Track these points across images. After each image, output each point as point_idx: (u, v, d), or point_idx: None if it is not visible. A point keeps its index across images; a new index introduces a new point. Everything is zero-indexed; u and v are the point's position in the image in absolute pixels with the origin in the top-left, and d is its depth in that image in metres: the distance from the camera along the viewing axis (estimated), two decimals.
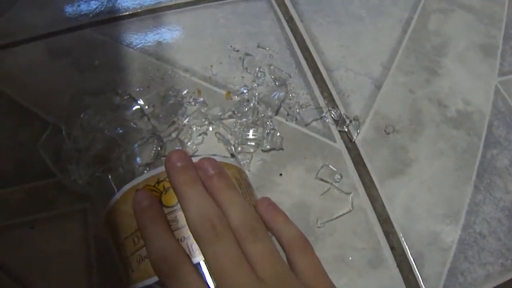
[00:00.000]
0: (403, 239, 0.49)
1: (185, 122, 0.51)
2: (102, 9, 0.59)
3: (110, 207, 0.33)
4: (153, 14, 0.60)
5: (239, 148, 0.50)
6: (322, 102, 0.55)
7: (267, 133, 0.50)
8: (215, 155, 0.34)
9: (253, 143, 0.50)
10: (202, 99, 0.52)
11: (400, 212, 0.50)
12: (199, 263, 0.27)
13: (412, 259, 0.49)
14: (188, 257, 0.27)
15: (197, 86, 0.53)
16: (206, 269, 0.27)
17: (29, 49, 0.55)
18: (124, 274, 0.32)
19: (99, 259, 0.43)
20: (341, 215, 0.49)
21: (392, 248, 0.49)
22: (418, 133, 0.55)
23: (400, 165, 0.53)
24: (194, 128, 0.51)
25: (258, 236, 0.28)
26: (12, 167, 0.47)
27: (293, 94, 0.54)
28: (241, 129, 0.50)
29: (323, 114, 0.54)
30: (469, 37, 0.64)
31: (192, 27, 0.59)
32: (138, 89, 0.53)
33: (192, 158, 0.32)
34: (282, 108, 0.53)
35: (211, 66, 0.55)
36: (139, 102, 0.52)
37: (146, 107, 0.51)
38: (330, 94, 0.56)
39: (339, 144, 0.53)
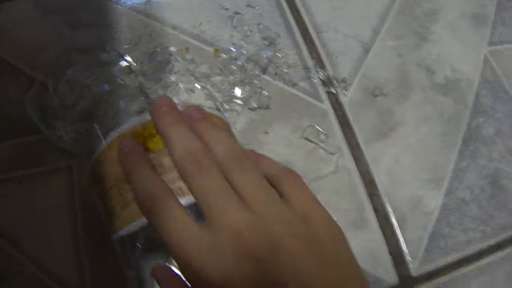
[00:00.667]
0: (386, 201, 0.50)
1: (172, 79, 0.50)
2: None
3: (96, 157, 0.33)
4: None
5: (226, 106, 0.49)
6: (310, 62, 0.55)
7: (255, 92, 0.50)
8: (201, 106, 0.34)
9: (240, 102, 0.50)
10: (190, 56, 0.51)
11: (385, 174, 0.51)
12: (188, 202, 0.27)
13: (395, 222, 0.49)
14: (173, 193, 0.27)
15: (185, 44, 0.53)
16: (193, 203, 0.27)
17: (19, 4, 0.54)
18: (108, 222, 0.32)
19: (84, 215, 0.43)
20: (326, 175, 0.49)
21: (375, 210, 0.49)
22: (405, 97, 0.55)
23: (386, 128, 0.53)
24: (181, 85, 0.50)
25: (245, 166, 0.27)
26: None
27: (282, 54, 0.54)
28: (229, 87, 0.50)
29: (311, 75, 0.54)
30: (460, 5, 0.63)
31: None
32: (126, 46, 0.52)
33: (179, 108, 0.32)
34: (270, 68, 0.53)
35: (200, 24, 0.54)
36: (126, 59, 0.51)
37: (134, 64, 0.51)
38: (319, 55, 0.56)
39: (326, 105, 0.53)
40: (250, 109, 0.50)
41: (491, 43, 0.62)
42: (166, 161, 0.29)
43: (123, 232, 0.30)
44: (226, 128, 0.37)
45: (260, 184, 0.27)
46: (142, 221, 0.28)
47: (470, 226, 0.51)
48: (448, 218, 0.51)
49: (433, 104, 0.55)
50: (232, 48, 0.52)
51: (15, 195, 0.43)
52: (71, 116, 0.47)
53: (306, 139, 0.50)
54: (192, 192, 0.27)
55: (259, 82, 0.51)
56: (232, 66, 0.50)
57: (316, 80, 0.54)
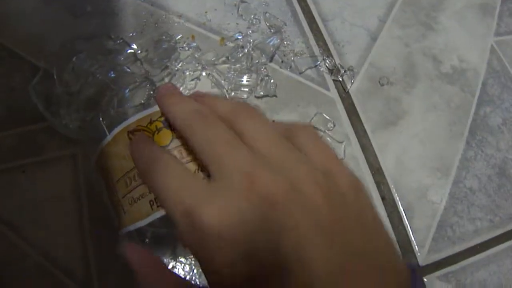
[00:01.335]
0: (394, 190, 0.49)
1: (178, 67, 0.50)
2: None
3: (101, 150, 0.33)
4: None
5: (233, 94, 0.49)
6: (317, 51, 0.54)
7: (261, 80, 0.49)
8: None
9: (246, 89, 0.49)
10: (195, 44, 0.51)
11: (392, 163, 0.51)
12: None
13: (402, 211, 0.49)
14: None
15: (191, 32, 0.52)
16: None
17: None
18: (116, 217, 0.32)
19: (89, 204, 0.43)
20: None
21: (383, 199, 0.49)
22: (412, 86, 0.55)
23: (393, 116, 0.53)
24: (187, 73, 0.50)
25: (251, 114, 0.25)
26: (3, 111, 0.46)
27: (288, 42, 0.54)
28: (235, 74, 0.49)
29: (318, 63, 0.53)
30: None
31: None
32: (131, 34, 0.52)
33: None
34: (276, 56, 0.53)
35: (206, 12, 0.54)
36: (132, 46, 0.51)
37: (139, 51, 0.51)
38: (325, 44, 0.55)
39: (333, 93, 0.53)
40: (256, 97, 0.50)
41: (497, 33, 0.62)
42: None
43: (132, 227, 0.29)
44: None
45: (268, 131, 0.24)
46: (153, 216, 0.27)
47: (477, 216, 0.51)
48: (456, 207, 0.50)
49: (440, 93, 0.55)
50: (238, 36, 0.52)
51: (19, 183, 0.43)
52: (76, 104, 0.47)
53: (314, 127, 0.50)
54: (199, 149, 0.24)
55: (265, 70, 0.50)
56: (239, 54, 0.50)
57: (323, 68, 0.54)
